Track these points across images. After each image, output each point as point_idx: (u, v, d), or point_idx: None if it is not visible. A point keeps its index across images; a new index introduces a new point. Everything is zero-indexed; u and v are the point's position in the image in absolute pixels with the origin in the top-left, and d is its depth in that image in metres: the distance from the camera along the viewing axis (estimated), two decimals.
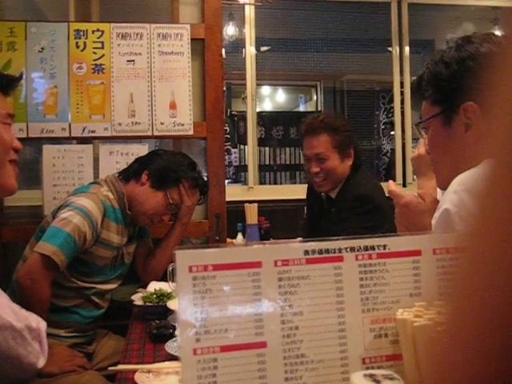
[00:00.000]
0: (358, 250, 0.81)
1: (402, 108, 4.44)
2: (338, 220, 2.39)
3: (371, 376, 0.73)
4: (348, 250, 0.81)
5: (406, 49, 4.44)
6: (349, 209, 2.37)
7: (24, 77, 2.71)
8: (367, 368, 0.79)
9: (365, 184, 2.45)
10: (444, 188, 1.23)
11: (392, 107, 4.93)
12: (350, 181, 2.47)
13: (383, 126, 7.03)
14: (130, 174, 2.32)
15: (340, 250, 0.80)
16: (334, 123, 2.49)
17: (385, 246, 0.83)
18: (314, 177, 2.50)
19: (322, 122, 2.48)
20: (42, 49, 2.74)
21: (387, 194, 1.56)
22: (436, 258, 0.85)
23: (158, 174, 2.28)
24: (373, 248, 0.82)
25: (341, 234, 0.84)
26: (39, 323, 1.30)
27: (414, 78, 1.43)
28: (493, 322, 0.31)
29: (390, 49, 4.57)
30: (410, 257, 0.84)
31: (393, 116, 4.69)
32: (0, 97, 1.48)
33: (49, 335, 2.03)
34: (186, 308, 0.72)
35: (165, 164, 2.31)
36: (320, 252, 0.79)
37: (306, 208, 2.77)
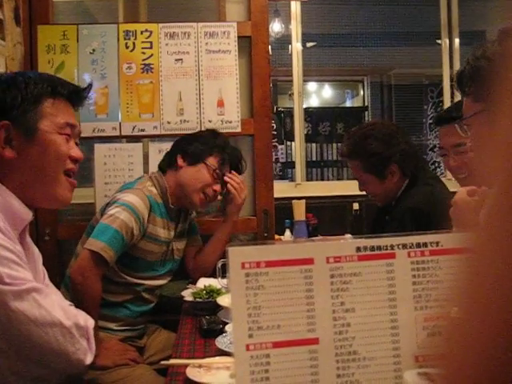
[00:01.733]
0: (410, 247, 0.81)
1: (452, 102, 4.34)
2: (388, 230, 2.32)
3: (426, 374, 0.72)
4: (400, 246, 0.80)
5: (456, 41, 4.34)
6: (397, 220, 2.28)
7: (76, 78, 2.79)
8: (420, 366, 0.79)
9: (417, 195, 2.30)
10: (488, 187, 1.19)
11: (441, 101, 4.83)
12: (407, 192, 2.36)
13: (431, 121, 6.91)
14: (165, 164, 2.38)
15: (392, 247, 0.80)
16: (364, 147, 2.33)
17: (438, 243, 0.82)
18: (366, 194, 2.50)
19: (351, 149, 2.40)
20: (93, 50, 2.80)
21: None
22: None
23: (190, 151, 2.32)
24: (425, 245, 0.81)
25: None
26: (87, 321, 1.33)
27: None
28: (505, 322, 0.31)
29: (439, 41, 4.48)
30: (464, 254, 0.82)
31: (442, 110, 4.59)
32: (63, 106, 1.44)
33: (101, 328, 2.10)
34: (238, 304, 0.73)
35: (192, 140, 2.37)
36: (372, 249, 0.79)
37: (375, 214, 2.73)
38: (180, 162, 2.31)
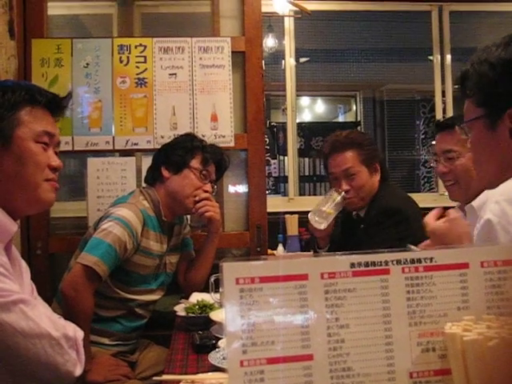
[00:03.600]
0: (404, 263, 0.81)
1: (444, 117, 4.37)
2: (367, 237, 2.34)
3: None
4: (394, 262, 0.80)
5: (448, 57, 4.38)
6: (376, 224, 2.32)
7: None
8: (415, 383, 0.79)
9: (390, 197, 2.39)
10: (486, 188, 1.21)
11: (433, 116, 4.86)
12: (377, 196, 2.42)
13: (422, 136, 6.94)
14: (151, 179, 2.38)
15: (386, 263, 0.80)
16: (359, 138, 2.46)
17: (432, 259, 0.82)
18: (345, 194, 2.45)
19: (347, 138, 2.44)
20: (87, 64, 2.81)
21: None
22: (484, 270, 0.83)
23: (172, 160, 2.33)
24: (419, 261, 0.81)
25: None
26: (76, 332, 1.32)
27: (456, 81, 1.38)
28: None
29: (430, 57, 4.52)
30: (458, 270, 0.83)
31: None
32: (41, 114, 1.42)
33: (94, 343, 2.09)
34: (233, 320, 0.72)
35: (170, 148, 2.37)
36: (366, 265, 0.79)
37: (341, 226, 2.72)
38: (165, 173, 2.31)
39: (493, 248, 0.89)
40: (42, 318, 1.23)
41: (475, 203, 1.58)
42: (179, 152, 2.34)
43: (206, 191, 2.33)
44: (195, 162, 2.33)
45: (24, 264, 1.47)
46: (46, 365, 1.22)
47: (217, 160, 2.41)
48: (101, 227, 2.12)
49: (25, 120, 1.37)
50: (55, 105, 1.47)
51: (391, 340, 0.79)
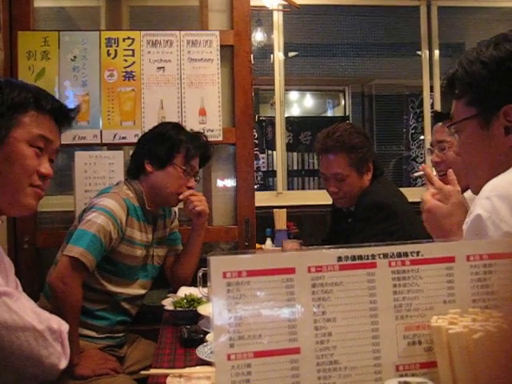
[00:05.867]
0: (391, 257, 0.81)
1: (432, 112, 4.39)
2: (355, 231, 2.34)
3: (405, 383, 0.72)
4: (381, 256, 0.80)
5: (436, 52, 4.39)
6: (364, 219, 2.31)
7: (57, 85, 2.77)
8: (401, 375, 0.79)
9: (379, 192, 2.37)
10: (476, 192, 1.20)
11: (422, 111, 4.88)
12: (367, 191, 2.40)
13: (412, 131, 6.97)
14: (135, 171, 2.34)
15: (373, 257, 0.80)
16: (351, 141, 2.36)
17: (418, 253, 0.82)
18: (333, 195, 2.44)
19: (338, 142, 2.36)
20: (75, 57, 2.80)
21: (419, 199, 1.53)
22: (470, 264, 0.84)
23: (156, 154, 2.28)
24: (406, 254, 0.82)
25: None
26: (61, 325, 1.31)
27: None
28: None
29: (419, 53, 4.53)
30: (444, 263, 0.83)
31: (422, 120, 4.64)
32: (43, 120, 1.39)
33: (82, 336, 2.08)
34: (220, 313, 0.72)
35: (155, 141, 2.31)
36: (353, 258, 0.79)
37: (331, 219, 2.72)
38: (148, 167, 2.28)
39: (478, 242, 0.90)
40: (25, 310, 1.22)
41: (467, 194, 1.59)
42: (164, 147, 2.28)
43: (190, 187, 2.32)
44: (179, 158, 2.27)
45: (8, 260, 1.45)
46: (30, 357, 1.21)
47: (202, 151, 2.38)
48: (85, 218, 2.11)
49: (25, 122, 1.35)
50: (61, 114, 1.44)
51: (378, 333, 0.79)
